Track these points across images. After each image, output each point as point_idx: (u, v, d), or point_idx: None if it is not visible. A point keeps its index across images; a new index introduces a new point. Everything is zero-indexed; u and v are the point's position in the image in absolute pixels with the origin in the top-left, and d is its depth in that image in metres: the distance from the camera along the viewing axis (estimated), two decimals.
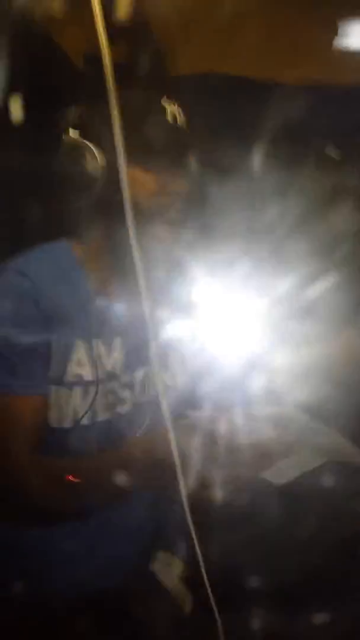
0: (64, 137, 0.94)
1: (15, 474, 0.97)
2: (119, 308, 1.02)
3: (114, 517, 1.07)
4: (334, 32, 1.18)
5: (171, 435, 0.77)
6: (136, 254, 0.72)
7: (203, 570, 0.79)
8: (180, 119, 0.96)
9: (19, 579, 1.03)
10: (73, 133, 0.93)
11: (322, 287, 1.12)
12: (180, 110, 0.96)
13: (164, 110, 0.95)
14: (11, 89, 0.98)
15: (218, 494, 0.88)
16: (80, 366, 1.00)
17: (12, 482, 0.98)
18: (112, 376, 1.03)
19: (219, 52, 1.15)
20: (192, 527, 0.78)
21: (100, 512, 1.05)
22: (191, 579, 1.05)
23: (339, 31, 1.19)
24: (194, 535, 0.78)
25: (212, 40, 1.10)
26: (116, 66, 0.65)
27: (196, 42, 1.07)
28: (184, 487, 0.77)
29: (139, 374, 1.07)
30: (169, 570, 1.10)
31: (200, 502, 0.82)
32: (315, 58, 1.22)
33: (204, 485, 0.87)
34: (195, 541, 0.78)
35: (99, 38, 0.61)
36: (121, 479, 0.92)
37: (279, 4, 1.16)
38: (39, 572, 1.06)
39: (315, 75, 1.23)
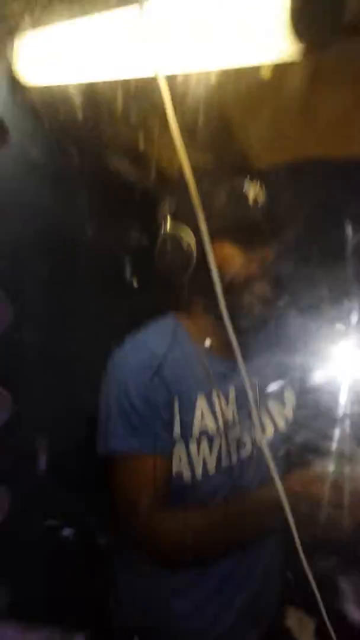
0: (163, 226, 1.10)
1: (147, 532, 1.04)
2: (225, 364, 1.13)
3: (241, 568, 1.14)
4: None
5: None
6: (227, 320, 0.88)
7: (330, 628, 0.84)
8: (262, 200, 1.07)
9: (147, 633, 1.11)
10: (170, 222, 1.09)
11: None
12: (262, 191, 1.08)
13: (246, 194, 1.07)
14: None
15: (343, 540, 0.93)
16: (204, 419, 1.10)
17: (143, 539, 1.05)
18: (233, 424, 1.13)
19: (296, 141, 1.25)
20: (312, 581, 0.83)
21: (226, 562, 1.12)
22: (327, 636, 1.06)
23: None
24: (316, 591, 0.83)
25: (288, 130, 1.19)
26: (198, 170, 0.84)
27: (273, 136, 1.17)
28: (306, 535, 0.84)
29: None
30: (303, 627, 1.14)
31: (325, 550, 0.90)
32: None
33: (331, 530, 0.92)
34: (318, 597, 0.83)
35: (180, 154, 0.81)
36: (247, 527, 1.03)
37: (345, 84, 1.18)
38: (168, 624, 1.13)
39: None
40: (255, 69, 0.94)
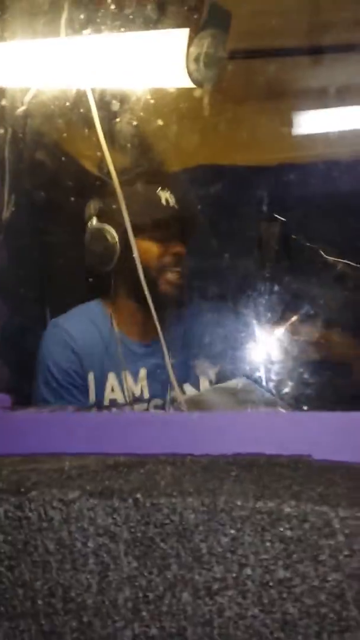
0: (88, 223, 1.29)
1: None
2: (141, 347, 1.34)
3: None
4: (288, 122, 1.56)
5: None
6: (150, 302, 1.03)
7: None
8: (172, 201, 1.31)
9: None
10: (95, 220, 1.28)
11: None
12: (171, 195, 1.31)
13: (159, 196, 1.30)
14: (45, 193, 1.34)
15: None
16: (113, 392, 1.30)
17: None
18: (141, 399, 1.31)
19: (203, 149, 1.50)
20: None
21: None
22: None
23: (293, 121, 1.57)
24: None
25: (196, 140, 1.40)
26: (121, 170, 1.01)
27: (184, 144, 1.37)
28: None
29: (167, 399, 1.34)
30: None
31: None
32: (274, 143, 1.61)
33: None
34: None
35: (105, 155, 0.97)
36: None
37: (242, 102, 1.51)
38: None
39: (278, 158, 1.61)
40: (167, 92, 1.11)
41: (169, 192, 1.31)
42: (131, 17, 0.83)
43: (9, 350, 1.11)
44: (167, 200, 1.30)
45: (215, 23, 0.88)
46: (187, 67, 0.87)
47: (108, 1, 0.83)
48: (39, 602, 0.58)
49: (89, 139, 1.08)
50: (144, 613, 0.56)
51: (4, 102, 0.88)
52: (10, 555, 0.59)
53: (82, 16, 0.84)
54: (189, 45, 0.85)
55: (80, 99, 1.00)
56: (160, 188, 1.30)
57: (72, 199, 1.29)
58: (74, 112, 1.02)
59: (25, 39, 0.88)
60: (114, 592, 0.56)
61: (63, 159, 1.30)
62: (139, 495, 0.56)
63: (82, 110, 1.01)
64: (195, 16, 0.86)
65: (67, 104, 1.02)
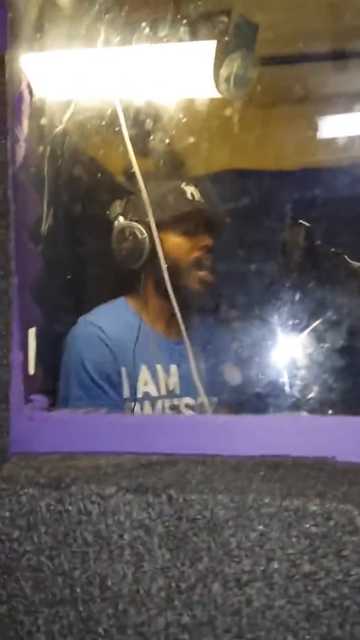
0: (115, 222, 1.30)
1: None
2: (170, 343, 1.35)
3: None
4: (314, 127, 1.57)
5: None
6: (174, 302, 1.10)
7: None
8: (197, 195, 1.32)
9: None
10: (122, 218, 1.30)
11: None
12: (196, 189, 1.32)
13: (184, 190, 1.31)
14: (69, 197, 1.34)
15: None
16: (146, 385, 1.31)
17: None
18: (173, 394, 1.32)
19: (227, 154, 1.55)
20: None
21: None
22: None
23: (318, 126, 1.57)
24: None
25: (220, 145, 1.45)
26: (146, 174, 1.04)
27: (207, 150, 1.42)
28: None
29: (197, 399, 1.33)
30: None
31: None
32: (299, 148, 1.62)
33: None
34: None
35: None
36: None
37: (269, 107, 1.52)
38: None
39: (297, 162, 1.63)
40: (192, 101, 1.15)
41: (193, 186, 1.32)
42: (165, 39, 0.87)
43: (45, 354, 1.15)
44: (192, 195, 1.31)
45: (244, 42, 0.92)
46: (218, 87, 0.91)
47: (142, 25, 0.88)
48: (78, 590, 0.62)
49: (117, 146, 1.12)
50: (176, 602, 0.59)
51: (43, 121, 0.93)
52: (51, 545, 0.63)
53: (117, 39, 0.88)
54: (219, 66, 0.89)
55: (111, 109, 1.04)
56: (185, 183, 1.31)
57: (106, 211, 1.33)
58: (106, 124, 1.06)
59: (63, 58, 0.93)
60: (148, 582, 0.60)
61: (99, 175, 1.34)
62: (172, 492, 0.60)
63: (114, 124, 1.05)
64: (226, 38, 0.89)
65: (102, 121, 1.06)
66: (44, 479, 0.65)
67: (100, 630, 0.61)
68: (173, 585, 0.60)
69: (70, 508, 0.62)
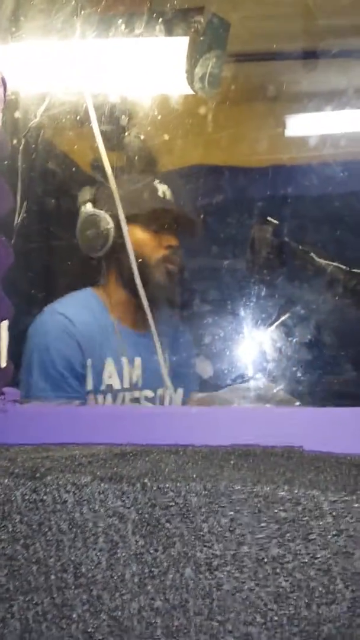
0: (82, 208, 1.30)
1: None
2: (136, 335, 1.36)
3: None
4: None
5: None
6: (142, 292, 1.09)
7: None
8: (168, 194, 1.35)
9: None
10: (90, 205, 1.30)
11: None
12: (168, 188, 1.34)
13: (156, 188, 1.33)
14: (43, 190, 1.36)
15: None
16: (110, 378, 1.32)
17: None
18: (135, 387, 1.34)
19: (197, 149, 1.58)
20: None
21: None
22: None
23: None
24: None
25: (190, 140, 1.48)
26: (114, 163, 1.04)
27: (178, 144, 1.43)
28: None
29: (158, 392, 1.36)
30: None
31: None
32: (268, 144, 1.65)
33: None
34: None
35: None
36: None
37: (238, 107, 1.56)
38: None
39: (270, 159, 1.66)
40: (166, 97, 1.17)
41: (166, 185, 1.35)
42: (140, 37, 0.88)
43: (16, 347, 1.15)
44: (164, 193, 1.34)
45: (217, 41, 0.94)
46: (193, 86, 0.93)
47: (118, 21, 0.89)
48: (52, 577, 0.63)
49: (91, 141, 1.13)
50: (149, 587, 0.61)
51: (17, 115, 0.93)
52: (26, 534, 0.64)
53: (93, 34, 0.89)
54: (194, 66, 0.91)
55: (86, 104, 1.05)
56: (158, 181, 1.34)
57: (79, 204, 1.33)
58: (80, 119, 1.07)
59: (38, 52, 0.93)
60: (122, 568, 0.62)
61: (73, 169, 1.35)
62: (146, 480, 0.62)
63: (88, 119, 1.06)
64: (201, 38, 0.91)
65: (77, 115, 1.06)
66: (18, 469, 0.66)
67: (75, 615, 0.62)
68: (146, 570, 0.61)
69: (45, 497, 0.63)
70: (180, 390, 1.37)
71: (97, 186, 1.30)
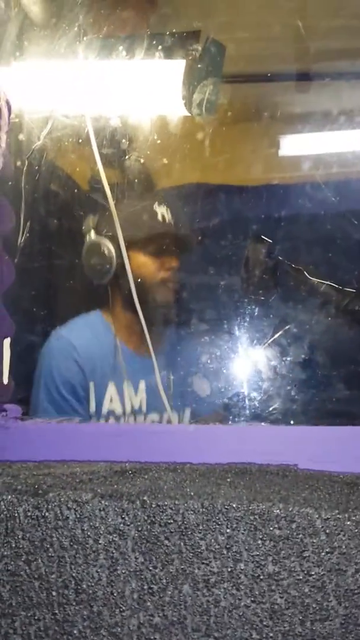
0: (87, 237, 1.34)
1: None
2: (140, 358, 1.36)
3: None
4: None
5: None
6: (141, 317, 1.13)
7: None
8: (168, 217, 1.37)
9: None
10: (93, 233, 1.34)
11: None
12: (167, 210, 1.37)
13: (156, 212, 1.35)
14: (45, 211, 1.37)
15: None
16: (112, 402, 1.34)
17: None
18: (138, 412, 1.35)
19: (194, 168, 1.59)
20: None
21: None
22: None
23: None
24: None
25: (188, 159, 1.48)
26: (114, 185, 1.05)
27: (176, 163, 1.44)
28: None
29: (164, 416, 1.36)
30: None
31: None
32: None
33: None
34: None
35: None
36: None
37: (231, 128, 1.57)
38: None
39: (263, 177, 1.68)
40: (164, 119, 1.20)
41: (165, 207, 1.38)
42: (141, 63, 0.91)
43: (18, 364, 1.17)
44: (163, 217, 1.37)
45: (214, 67, 0.97)
46: (190, 111, 0.96)
47: (120, 48, 0.92)
48: (53, 593, 0.65)
49: (93, 163, 1.16)
50: (148, 603, 0.63)
51: (21, 137, 0.95)
52: (28, 550, 0.65)
53: (95, 59, 0.92)
54: (192, 92, 0.94)
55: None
56: (157, 203, 1.37)
57: (81, 225, 1.36)
58: (83, 142, 1.10)
59: (41, 76, 0.96)
60: (122, 584, 0.63)
61: (75, 190, 1.37)
62: (145, 498, 0.64)
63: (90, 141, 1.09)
64: (199, 65, 0.94)
65: (79, 138, 1.09)
66: (21, 485, 0.68)
67: (75, 631, 0.64)
68: (145, 587, 0.63)
69: (47, 514, 0.65)
70: (188, 410, 1.39)
71: (99, 213, 1.33)
